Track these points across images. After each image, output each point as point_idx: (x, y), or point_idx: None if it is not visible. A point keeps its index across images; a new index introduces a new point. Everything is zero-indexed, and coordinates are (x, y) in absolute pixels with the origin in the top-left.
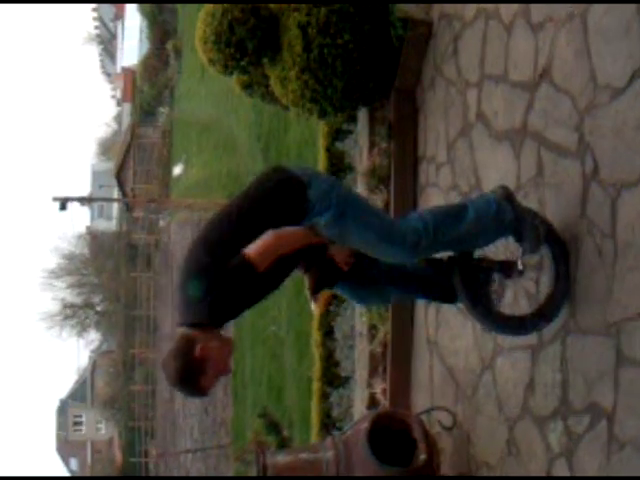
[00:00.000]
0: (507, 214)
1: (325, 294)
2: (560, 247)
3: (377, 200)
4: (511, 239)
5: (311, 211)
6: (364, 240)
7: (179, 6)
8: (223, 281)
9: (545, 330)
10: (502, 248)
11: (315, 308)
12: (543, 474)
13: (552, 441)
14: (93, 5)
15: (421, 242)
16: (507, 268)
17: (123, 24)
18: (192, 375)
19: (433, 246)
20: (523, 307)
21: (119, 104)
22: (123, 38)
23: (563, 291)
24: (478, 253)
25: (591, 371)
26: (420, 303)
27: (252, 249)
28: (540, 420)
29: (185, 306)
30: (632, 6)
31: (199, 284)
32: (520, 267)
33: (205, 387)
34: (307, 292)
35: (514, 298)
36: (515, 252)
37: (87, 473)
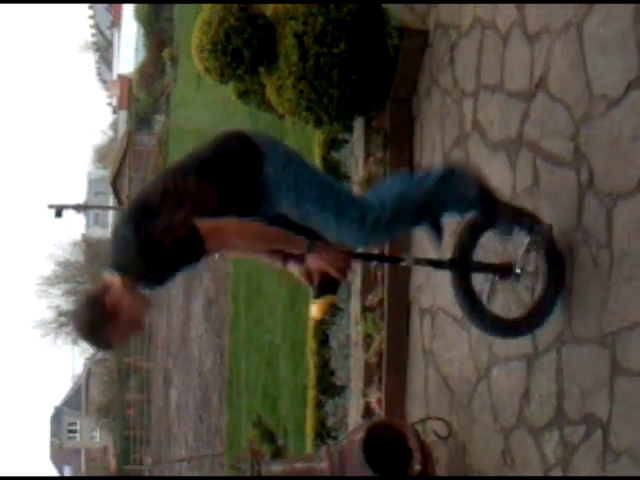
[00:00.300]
0: (470, 189)
1: (328, 300)
2: (555, 254)
3: None
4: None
5: (267, 187)
6: (324, 223)
7: (175, 14)
8: (162, 244)
9: (540, 340)
10: (500, 250)
11: (315, 312)
12: None
13: (547, 451)
14: (90, 12)
15: (380, 220)
16: (504, 270)
17: (120, 32)
18: (99, 326)
19: (392, 225)
20: (514, 313)
21: (115, 112)
22: (119, 46)
23: (554, 296)
24: (476, 255)
25: (587, 381)
26: (415, 313)
27: (209, 228)
28: (535, 430)
29: (114, 244)
30: (628, 17)
31: (134, 230)
32: (518, 271)
33: (112, 341)
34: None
35: (506, 304)
36: (513, 255)
37: None
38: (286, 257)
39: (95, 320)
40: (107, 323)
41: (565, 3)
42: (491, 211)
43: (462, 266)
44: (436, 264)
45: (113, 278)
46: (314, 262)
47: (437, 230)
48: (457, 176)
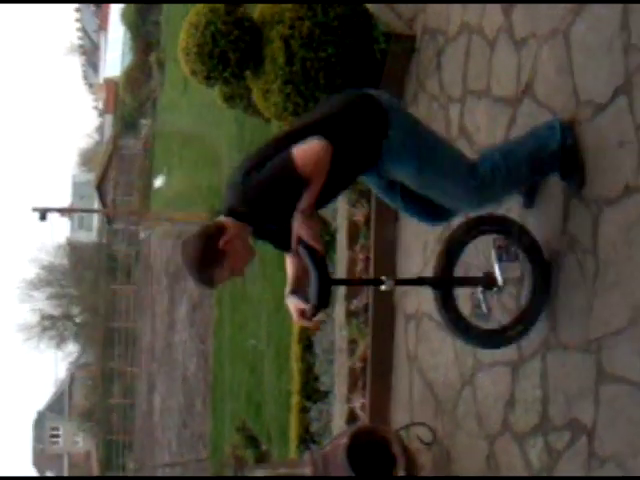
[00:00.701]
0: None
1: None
2: (541, 262)
3: (358, 215)
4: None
5: (387, 153)
6: (442, 191)
7: (162, 18)
8: (264, 173)
9: (525, 346)
10: (484, 260)
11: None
12: None
13: (532, 457)
14: (77, 15)
15: (495, 180)
16: (488, 281)
17: (106, 35)
18: (208, 261)
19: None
20: (499, 320)
21: (101, 115)
22: (106, 49)
23: (539, 304)
24: (460, 271)
25: (572, 387)
26: (400, 318)
27: (299, 151)
28: (520, 436)
29: (227, 191)
30: (615, 23)
31: (244, 173)
32: (500, 282)
33: (215, 279)
34: (300, 319)
35: (490, 311)
36: (495, 267)
37: None
38: (295, 290)
39: (206, 255)
40: (215, 261)
41: (549, 3)
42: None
43: (443, 283)
44: (418, 282)
45: (228, 221)
46: (298, 227)
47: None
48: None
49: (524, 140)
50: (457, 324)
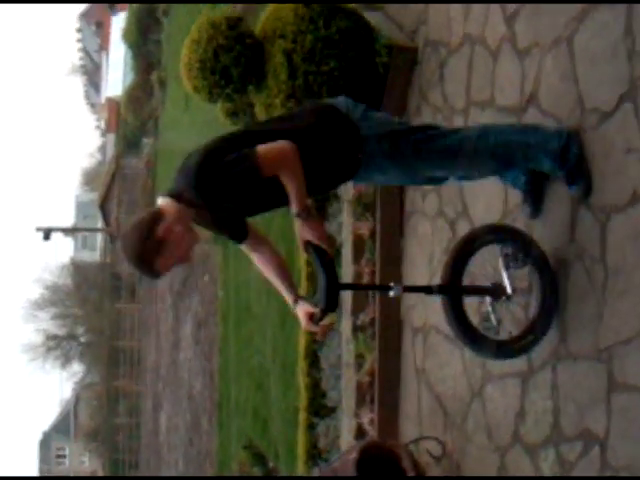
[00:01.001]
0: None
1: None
2: (548, 271)
3: (363, 229)
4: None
5: (366, 164)
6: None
7: (163, 37)
8: (222, 162)
9: (535, 356)
10: (491, 271)
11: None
12: None
13: (544, 469)
14: (78, 36)
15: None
16: (497, 290)
17: (107, 55)
18: (148, 252)
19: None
20: (509, 331)
21: (103, 135)
22: (107, 69)
23: (549, 314)
24: (467, 280)
25: (583, 397)
26: (407, 331)
27: (264, 149)
28: (531, 448)
29: (178, 174)
30: (618, 29)
31: (200, 157)
32: (509, 291)
33: (158, 269)
34: (308, 324)
35: (500, 322)
36: (503, 275)
37: None
38: (297, 298)
39: (145, 246)
40: (156, 250)
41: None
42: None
43: (452, 291)
44: (426, 290)
45: (168, 205)
46: (299, 229)
47: (535, 193)
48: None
49: (527, 130)
50: (467, 334)
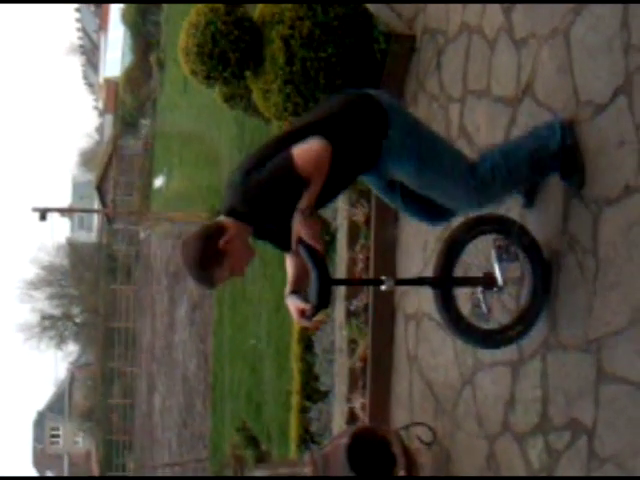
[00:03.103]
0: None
1: (322, 315)
2: (540, 262)
3: (358, 215)
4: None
5: (387, 153)
6: (442, 191)
7: (162, 18)
8: (263, 173)
9: (525, 346)
10: (483, 260)
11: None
12: None
13: (532, 457)
14: (77, 15)
15: (495, 180)
16: (488, 281)
17: (106, 35)
18: (209, 261)
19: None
20: (499, 320)
21: (101, 115)
22: (106, 49)
23: (540, 304)
24: (459, 271)
25: (572, 387)
26: (400, 318)
27: (299, 150)
28: (520, 436)
29: (227, 191)
30: (615, 23)
31: (244, 173)
32: (500, 283)
33: (215, 279)
34: (300, 319)
35: (490, 311)
36: (495, 267)
37: None
38: (294, 290)
39: (206, 255)
40: (215, 261)
41: (551, 3)
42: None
43: (443, 283)
44: (418, 282)
45: (229, 221)
46: (296, 224)
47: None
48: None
49: (524, 140)
50: (457, 324)
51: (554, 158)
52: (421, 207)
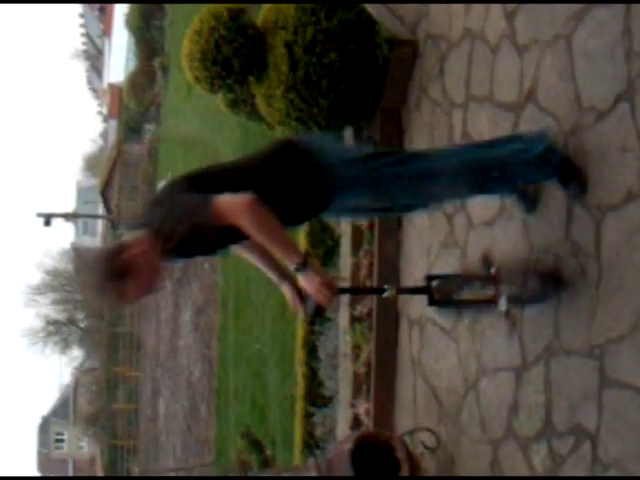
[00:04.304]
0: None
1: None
2: (549, 283)
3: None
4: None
5: (340, 191)
6: (407, 197)
7: (166, 24)
8: (180, 205)
9: (529, 351)
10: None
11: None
12: None
13: (536, 463)
14: (81, 21)
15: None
16: (487, 304)
17: (110, 40)
18: (113, 275)
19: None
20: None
21: (105, 120)
22: (110, 54)
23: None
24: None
25: (575, 393)
26: (404, 323)
27: (224, 201)
28: (524, 441)
29: (152, 206)
30: (617, 29)
31: (166, 197)
32: (503, 308)
33: (124, 293)
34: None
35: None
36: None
37: None
38: (282, 274)
39: (109, 273)
40: (121, 274)
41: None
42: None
43: (444, 291)
44: (420, 292)
45: (142, 235)
46: (302, 282)
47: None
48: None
49: (500, 144)
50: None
51: (531, 165)
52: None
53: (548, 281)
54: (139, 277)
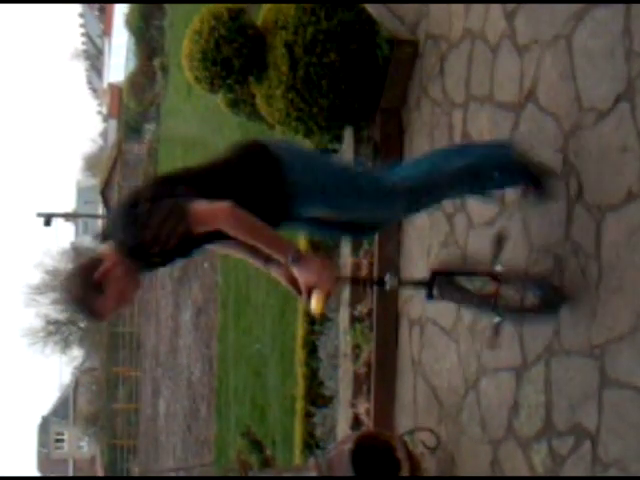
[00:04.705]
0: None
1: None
2: (552, 294)
3: None
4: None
5: (294, 197)
6: (362, 210)
7: (166, 24)
8: (154, 212)
9: (529, 351)
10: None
11: (315, 306)
12: None
13: (536, 462)
14: (81, 21)
15: (412, 192)
16: (486, 301)
17: (110, 40)
18: (88, 292)
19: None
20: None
21: (105, 120)
22: (110, 54)
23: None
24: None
25: (575, 392)
26: (404, 323)
27: (199, 208)
28: (524, 441)
29: (117, 221)
30: (617, 29)
31: (135, 209)
32: (495, 320)
33: (100, 310)
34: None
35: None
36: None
37: None
38: (267, 259)
39: (84, 288)
40: (95, 292)
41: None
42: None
43: (445, 284)
44: (420, 284)
45: (109, 251)
46: (299, 275)
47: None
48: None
49: (467, 154)
50: (482, 304)
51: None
52: (355, 226)
53: (549, 294)
54: (114, 292)
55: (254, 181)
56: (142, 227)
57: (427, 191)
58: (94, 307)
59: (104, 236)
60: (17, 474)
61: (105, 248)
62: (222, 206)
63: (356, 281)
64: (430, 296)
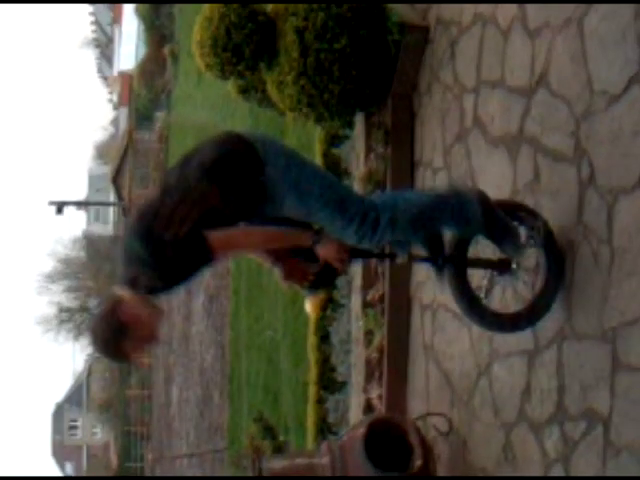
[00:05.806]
0: (475, 214)
1: (321, 296)
2: (554, 250)
3: None
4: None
5: (269, 188)
6: (326, 220)
7: (176, 11)
8: (172, 250)
9: (541, 335)
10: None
11: (311, 309)
12: None
13: (548, 447)
14: (90, 9)
15: (380, 220)
16: (502, 266)
17: (120, 28)
18: (115, 339)
19: (391, 227)
20: (512, 308)
21: (116, 108)
22: (120, 42)
23: (553, 290)
24: (472, 252)
25: (587, 377)
26: (416, 308)
27: (217, 238)
28: (536, 425)
29: (126, 261)
30: (628, 13)
31: (146, 245)
32: (514, 266)
33: (128, 353)
34: (303, 291)
35: (504, 299)
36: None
37: None
38: (276, 259)
39: (111, 334)
40: (122, 336)
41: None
42: (495, 234)
43: (458, 262)
44: (432, 260)
45: (124, 292)
46: (321, 252)
47: (433, 248)
48: (461, 197)
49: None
50: (470, 305)
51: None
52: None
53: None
54: (138, 331)
55: (234, 171)
56: (168, 264)
57: (393, 219)
58: (122, 350)
59: (123, 279)
60: (32, 460)
61: (118, 290)
62: (235, 231)
63: (368, 254)
64: (440, 271)
